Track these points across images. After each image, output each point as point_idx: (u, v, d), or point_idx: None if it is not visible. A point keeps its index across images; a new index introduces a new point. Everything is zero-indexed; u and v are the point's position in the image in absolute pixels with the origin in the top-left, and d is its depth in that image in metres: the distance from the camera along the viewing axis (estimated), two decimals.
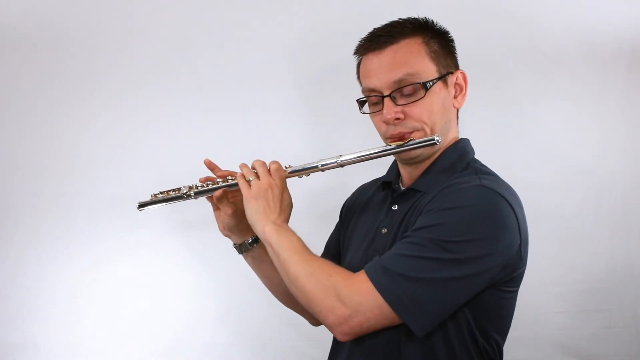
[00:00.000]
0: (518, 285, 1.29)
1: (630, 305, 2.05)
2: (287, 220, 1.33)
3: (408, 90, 1.29)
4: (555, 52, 2.09)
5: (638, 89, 2.07)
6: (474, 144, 1.41)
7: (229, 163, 1.45)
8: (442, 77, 1.32)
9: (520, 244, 1.21)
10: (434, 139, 1.27)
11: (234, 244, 1.49)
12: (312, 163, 1.36)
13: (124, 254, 2.14)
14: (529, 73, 2.10)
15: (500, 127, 2.10)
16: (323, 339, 1.48)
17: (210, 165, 1.46)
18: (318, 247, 1.55)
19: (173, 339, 2.13)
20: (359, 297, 1.16)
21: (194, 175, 1.45)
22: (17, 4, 2.15)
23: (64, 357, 2.12)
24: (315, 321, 1.57)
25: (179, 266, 2.16)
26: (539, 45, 2.09)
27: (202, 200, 1.47)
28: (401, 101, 1.29)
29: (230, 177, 1.41)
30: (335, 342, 1.41)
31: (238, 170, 1.38)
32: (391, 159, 1.45)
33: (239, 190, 1.35)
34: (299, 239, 1.28)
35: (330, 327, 1.20)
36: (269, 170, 1.34)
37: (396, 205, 1.36)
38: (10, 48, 2.15)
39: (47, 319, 2.13)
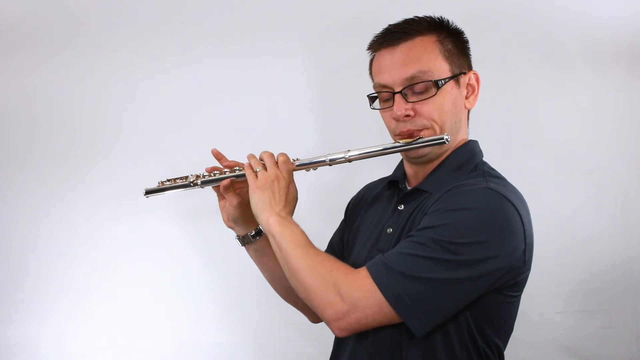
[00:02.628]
0: (521, 291, 1.29)
1: (630, 305, 2.06)
2: (291, 212, 1.32)
3: (419, 87, 1.28)
4: (556, 51, 2.10)
5: (638, 89, 2.08)
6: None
7: (236, 155, 1.44)
8: (455, 77, 1.31)
9: (524, 249, 1.20)
10: (443, 138, 1.26)
11: (237, 236, 1.48)
12: (320, 157, 1.35)
13: (123, 254, 2.13)
14: (530, 72, 2.11)
15: (499, 125, 2.10)
16: (323, 338, 1.48)
17: (218, 155, 1.45)
18: (323, 243, 1.54)
19: (173, 338, 2.13)
20: (358, 293, 1.15)
21: (200, 166, 1.44)
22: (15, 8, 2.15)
23: (63, 357, 2.11)
24: (314, 318, 1.56)
25: (179, 266, 2.15)
26: (541, 44, 2.11)
27: (206, 195, 1.47)
28: (412, 98, 1.28)
29: (237, 168, 1.40)
30: (338, 340, 1.40)
31: (245, 161, 1.37)
32: (398, 158, 1.44)
33: (245, 181, 1.34)
34: (303, 232, 1.27)
35: (328, 322, 1.19)
36: (276, 162, 1.33)
37: (402, 205, 1.35)
38: (15, 42, 2.15)
39: (47, 319, 2.12)
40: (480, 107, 1.45)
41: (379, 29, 1.35)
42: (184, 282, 2.15)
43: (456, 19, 1.39)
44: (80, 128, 2.15)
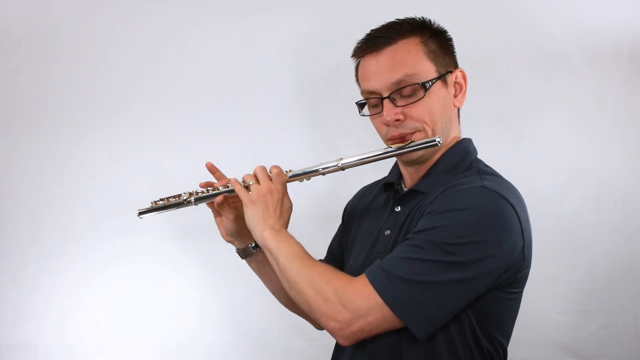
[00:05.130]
0: (522, 287, 1.29)
1: (630, 305, 2.04)
2: (286, 225, 1.33)
3: (407, 91, 1.28)
4: (555, 53, 2.08)
5: (638, 89, 2.07)
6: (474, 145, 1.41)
7: (228, 168, 1.45)
8: (442, 77, 1.31)
9: (523, 246, 1.21)
10: (435, 140, 1.26)
11: (237, 249, 1.49)
12: (313, 167, 1.36)
13: (124, 256, 2.13)
14: (529, 74, 2.10)
15: (500, 127, 2.09)
16: (324, 339, 1.47)
17: (212, 169, 1.46)
18: (320, 251, 1.55)
19: (174, 339, 2.13)
20: (360, 302, 1.16)
21: (194, 181, 1.45)
22: (15, 8, 2.16)
23: (63, 358, 2.11)
24: (319, 325, 1.56)
25: (180, 267, 2.15)
26: (540, 46, 2.09)
27: (203, 205, 1.47)
28: (401, 102, 1.29)
29: (230, 183, 1.40)
30: (338, 345, 1.41)
31: (240, 177, 1.37)
32: (392, 159, 1.44)
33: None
34: (298, 244, 1.28)
35: (332, 332, 1.20)
36: (269, 175, 1.34)
37: (399, 207, 1.36)
38: (10, 50, 2.16)
39: (47, 321, 2.13)
40: (480, 107, 1.45)
41: (369, 30, 1.35)
42: (183, 283, 2.15)
43: (453, 21, 1.40)
44: (77, 145, 2.17)
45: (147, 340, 2.13)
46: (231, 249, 1.52)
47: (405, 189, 1.40)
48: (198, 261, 2.16)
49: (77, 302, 2.13)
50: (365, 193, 1.57)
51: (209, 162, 1.45)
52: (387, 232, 1.34)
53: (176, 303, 2.14)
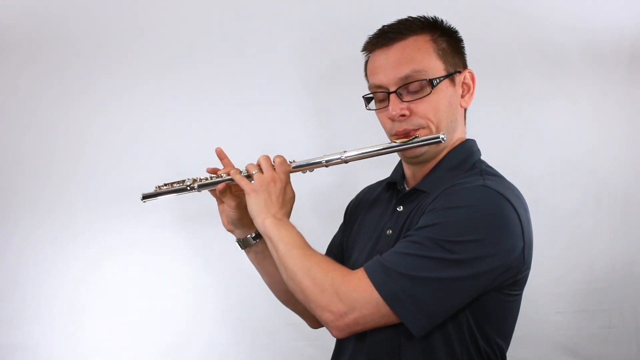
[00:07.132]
0: (521, 289, 1.28)
1: (630, 305, 2.05)
2: (288, 214, 1.33)
3: (414, 86, 1.28)
4: (556, 52, 2.09)
5: (639, 87, 2.08)
6: None
7: (234, 159, 1.45)
8: (450, 75, 1.31)
9: (523, 247, 1.20)
10: (439, 137, 1.26)
11: (237, 239, 1.48)
12: (316, 158, 1.36)
13: (123, 254, 2.13)
14: (530, 73, 2.11)
15: (499, 126, 2.10)
16: (323, 339, 1.48)
17: (221, 155, 1.46)
18: (321, 245, 1.53)
19: (174, 338, 2.13)
20: (356, 294, 1.15)
21: (198, 171, 1.45)
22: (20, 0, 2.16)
23: (63, 357, 2.11)
24: (314, 323, 1.56)
25: (179, 266, 2.15)
26: (540, 45, 2.10)
27: (205, 199, 1.47)
28: (407, 98, 1.29)
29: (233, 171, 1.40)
30: (339, 343, 1.40)
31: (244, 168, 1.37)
32: (395, 158, 1.44)
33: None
34: (299, 234, 1.27)
35: (325, 323, 1.20)
36: (272, 164, 1.34)
37: (401, 206, 1.35)
38: (13, 44, 2.15)
39: (47, 319, 2.12)
40: (480, 107, 1.45)
41: (373, 29, 1.35)
42: (184, 282, 2.15)
43: (454, 20, 1.39)
44: (78, 137, 2.17)
45: (146, 339, 2.12)
46: (230, 248, 1.52)
47: (407, 189, 1.39)
48: (196, 261, 2.16)
49: (77, 301, 2.13)
50: (368, 192, 1.56)
51: (218, 148, 1.46)
52: (389, 231, 1.33)
53: (175, 303, 2.14)
